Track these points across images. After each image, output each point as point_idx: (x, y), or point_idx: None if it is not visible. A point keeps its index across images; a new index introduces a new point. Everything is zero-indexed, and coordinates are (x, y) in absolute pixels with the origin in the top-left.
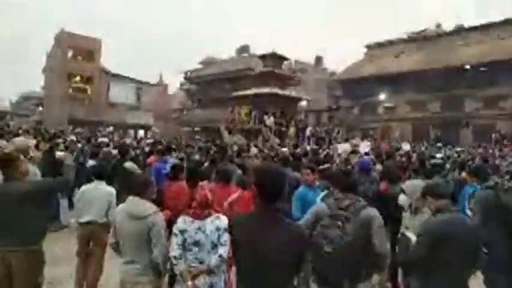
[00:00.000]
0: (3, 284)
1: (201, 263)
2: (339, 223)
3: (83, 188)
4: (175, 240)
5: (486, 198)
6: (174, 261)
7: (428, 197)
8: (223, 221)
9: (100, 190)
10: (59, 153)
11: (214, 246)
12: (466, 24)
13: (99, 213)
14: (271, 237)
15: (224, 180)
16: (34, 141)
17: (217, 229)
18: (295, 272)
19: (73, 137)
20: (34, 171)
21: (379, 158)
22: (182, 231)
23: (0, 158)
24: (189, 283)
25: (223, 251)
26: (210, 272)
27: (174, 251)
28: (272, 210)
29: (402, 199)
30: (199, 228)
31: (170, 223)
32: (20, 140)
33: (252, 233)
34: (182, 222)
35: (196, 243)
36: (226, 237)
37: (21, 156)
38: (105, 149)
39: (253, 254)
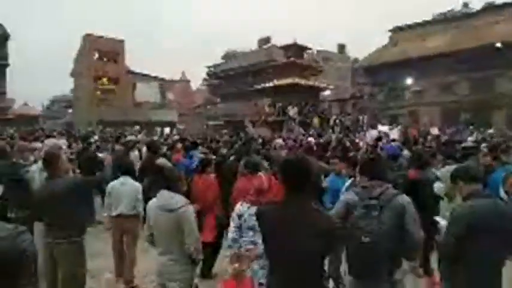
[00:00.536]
0: (52, 273)
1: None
2: (374, 213)
3: (111, 184)
4: (232, 224)
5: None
6: (230, 243)
7: (459, 181)
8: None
9: (126, 185)
10: (100, 155)
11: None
12: (496, 1)
13: (128, 206)
14: (300, 227)
15: (252, 171)
16: (65, 142)
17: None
18: (324, 259)
19: (96, 137)
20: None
21: (407, 144)
22: (239, 216)
23: (44, 157)
24: (236, 265)
25: None
26: (262, 255)
27: (231, 233)
28: (300, 199)
29: (437, 187)
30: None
31: (199, 215)
32: (51, 142)
33: (280, 223)
34: (240, 207)
35: (252, 228)
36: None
37: (63, 155)
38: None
39: (283, 244)
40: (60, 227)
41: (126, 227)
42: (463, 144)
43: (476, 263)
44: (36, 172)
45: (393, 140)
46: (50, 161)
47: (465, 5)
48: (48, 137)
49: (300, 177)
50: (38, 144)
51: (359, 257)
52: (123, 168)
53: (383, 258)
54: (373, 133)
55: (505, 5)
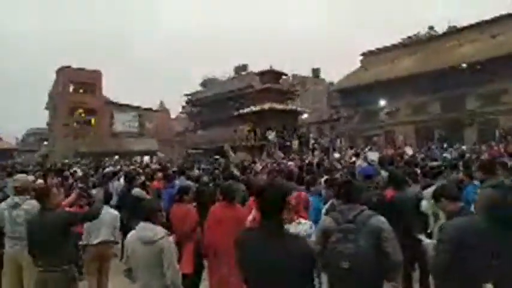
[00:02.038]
0: None
1: None
2: (351, 236)
3: None
4: None
5: (491, 198)
6: None
7: (443, 199)
8: (305, 225)
9: (106, 214)
10: (93, 191)
11: None
12: (458, 25)
13: (108, 234)
14: (275, 254)
15: (227, 198)
16: (33, 178)
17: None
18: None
19: (78, 169)
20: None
21: (384, 164)
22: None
23: (36, 191)
24: None
25: None
26: None
27: None
28: (275, 225)
29: (424, 205)
30: None
31: (178, 246)
32: (22, 177)
33: (255, 250)
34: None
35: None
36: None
37: (54, 190)
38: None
39: (258, 271)
40: (52, 257)
41: (104, 253)
42: (430, 164)
43: (470, 279)
44: (5, 209)
45: (371, 163)
46: (42, 194)
47: (430, 28)
48: (21, 172)
49: (275, 203)
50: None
51: (340, 283)
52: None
53: (365, 281)
54: (350, 153)
55: (467, 28)
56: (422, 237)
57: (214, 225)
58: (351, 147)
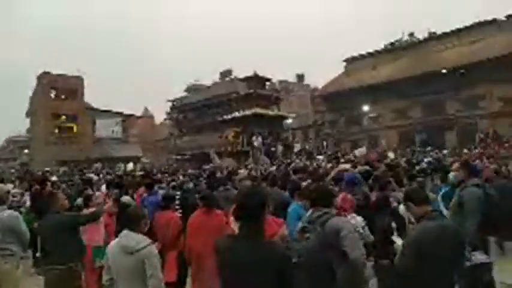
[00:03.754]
0: None
1: None
2: (307, 235)
3: None
4: None
5: (476, 196)
6: None
7: (410, 203)
8: (359, 219)
9: None
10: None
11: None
12: (439, 31)
13: None
14: (251, 259)
15: (207, 205)
16: (11, 186)
17: (354, 226)
18: None
19: (55, 178)
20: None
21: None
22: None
23: (44, 195)
24: None
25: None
26: None
27: None
28: (252, 231)
29: (401, 209)
30: None
31: (161, 254)
32: None
33: (232, 256)
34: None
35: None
36: (367, 231)
37: (60, 194)
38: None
39: (235, 276)
40: (60, 255)
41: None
42: (417, 168)
43: (428, 283)
44: None
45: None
46: (48, 198)
47: (411, 34)
48: None
49: (253, 209)
50: None
51: (296, 277)
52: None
53: (313, 277)
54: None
55: (447, 34)
56: (396, 238)
57: (194, 232)
58: (336, 152)
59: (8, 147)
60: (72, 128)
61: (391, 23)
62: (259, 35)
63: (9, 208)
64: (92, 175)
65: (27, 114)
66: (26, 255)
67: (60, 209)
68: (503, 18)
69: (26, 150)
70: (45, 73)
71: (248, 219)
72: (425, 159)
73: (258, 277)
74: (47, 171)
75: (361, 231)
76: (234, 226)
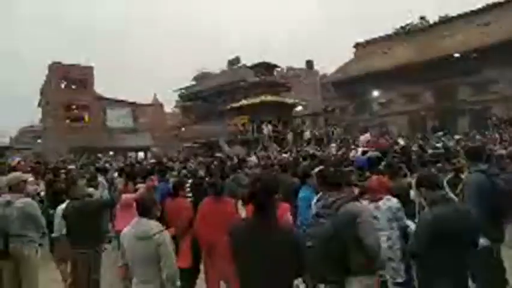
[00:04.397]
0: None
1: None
2: (322, 220)
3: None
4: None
5: (478, 182)
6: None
7: (422, 188)
8: (394, 200)
9: None
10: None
11: (389, 219)
12: (450, 14)
13: None
14: (265, 244)
15: (215, 192)
16: (29, 176)
17: (390, 208)
18: (294, 275)
19: (73, 166)
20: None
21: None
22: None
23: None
24: None
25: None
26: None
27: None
28: (264, 217)
29: (412, 194)
30: (376, 208)
31: (174, 240)
32: (12, 175)
33: (246, 241)
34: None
35: (375, 218)
36: (401, 214)
37: (80, 181)
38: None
39: (250, 261)
40: (85, 238)
41: None
42: (429, 152)
43: (442, 267)
44: None
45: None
46: (70, 184)
47: (422, 18)
48: (11, 170)
49: (264, 195)
50: (2, 178)
51: (309, 261)
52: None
53: (327, 261)
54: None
55: (458, 16)
56: (409, 223)
57: (203, 220)
58: (345, 139)
59: (21, 138)
60: (83, 117)
61: (401, 6)
62: (267, 22)
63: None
64: (106, 165)
65: (39, 105)
66: (44, 241)
67: (81, 196)
68: None
69: (39, 140)
70: (56, 63)
71: (260, 205)
72: (437, 144)
73: (271, 261)
74: (63, 160)
75: (399, 214)
76: (242, 211)
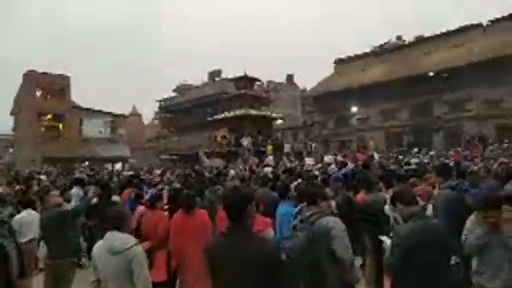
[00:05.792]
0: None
1: None
2: (298, 233)
3: (18, 216)
4: None
5: (448, 198)
6: None
7: (398, 203)
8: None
9: (32, 215)
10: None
11: None
12: (425, 34)
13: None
14: (243, 256)
15: (186, 206)
16: None
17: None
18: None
19: (44, 177)
20: None
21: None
22: None
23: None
24: None
25: None
26: None
27: None
28: (240, 228)
29: (387, 209)
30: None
31: (150, 253)
32: None
33: (221, 253)
34: None
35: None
36: None
37: (54, 192)
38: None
39: (225, 274)
40: (58, 248)
41: (33, 250)
42: (405, 168)
43: (416, 281)
44: None
45: (345, 164)
46: (42, 196)
47: (398, 37)
48: None
49: (238, 207)
50: None
51: (286, 275)
52: (24, 202)
53: (300, 274)
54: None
55: (434, 37)
56: (384, 238)
57: (175, 232)
58: (324, 153)
59: None
60: (57, 127)
61: (381, 26)
62: (249, 36)
63: None
64: (82, 175)
65: (12, 113)
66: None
67: (53, 207)
68: (489, 23)
69: (10, 150)
70: (30, 71)
71: (234, 218)
72: (413, 161)
73: (247, 274)
74: (38, 172)
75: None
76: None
